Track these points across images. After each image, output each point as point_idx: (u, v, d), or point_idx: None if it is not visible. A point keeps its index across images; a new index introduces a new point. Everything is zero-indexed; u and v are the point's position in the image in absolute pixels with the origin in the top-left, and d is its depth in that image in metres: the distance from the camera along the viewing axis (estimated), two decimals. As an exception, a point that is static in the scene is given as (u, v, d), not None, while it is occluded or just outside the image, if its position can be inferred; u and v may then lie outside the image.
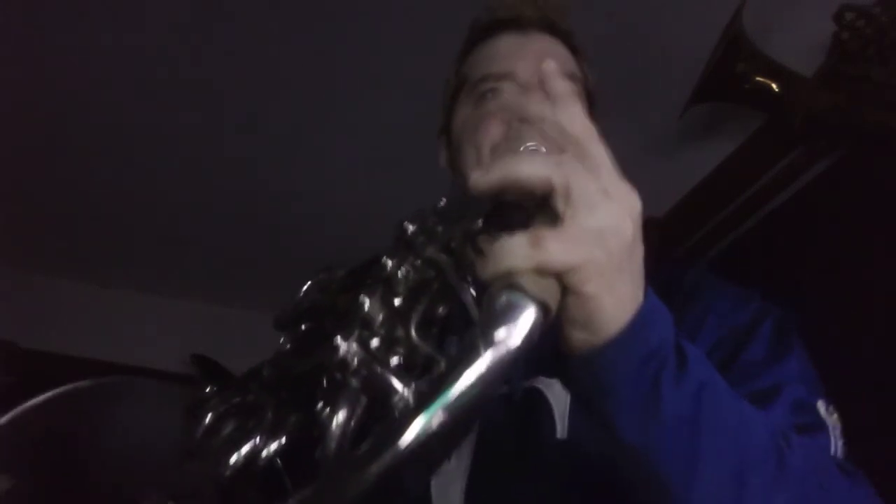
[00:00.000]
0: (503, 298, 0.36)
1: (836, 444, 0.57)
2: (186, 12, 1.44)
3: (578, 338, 0.42)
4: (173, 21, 1.46)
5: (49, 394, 0.49)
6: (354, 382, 0.37)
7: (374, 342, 0.39)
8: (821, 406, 0.59)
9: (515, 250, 0.37)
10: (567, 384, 0.48)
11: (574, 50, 0.83)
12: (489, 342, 0.34)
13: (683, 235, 1.81)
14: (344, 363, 0.37)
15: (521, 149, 0.42)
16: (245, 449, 0.42)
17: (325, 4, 1.42)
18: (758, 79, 1.35)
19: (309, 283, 0.52)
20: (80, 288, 2.34)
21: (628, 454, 0.43)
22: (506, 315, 0.35)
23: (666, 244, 1.83)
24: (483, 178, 0.39)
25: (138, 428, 0.52)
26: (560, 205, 0.38)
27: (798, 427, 0.55)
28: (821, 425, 0.57)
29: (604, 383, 0.42)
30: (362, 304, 0.40)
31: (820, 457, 0.51)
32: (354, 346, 0.38)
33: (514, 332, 0.35)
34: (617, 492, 0.49)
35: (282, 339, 0.50)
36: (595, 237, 0.38)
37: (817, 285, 1.41)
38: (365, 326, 0.39)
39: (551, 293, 0.37)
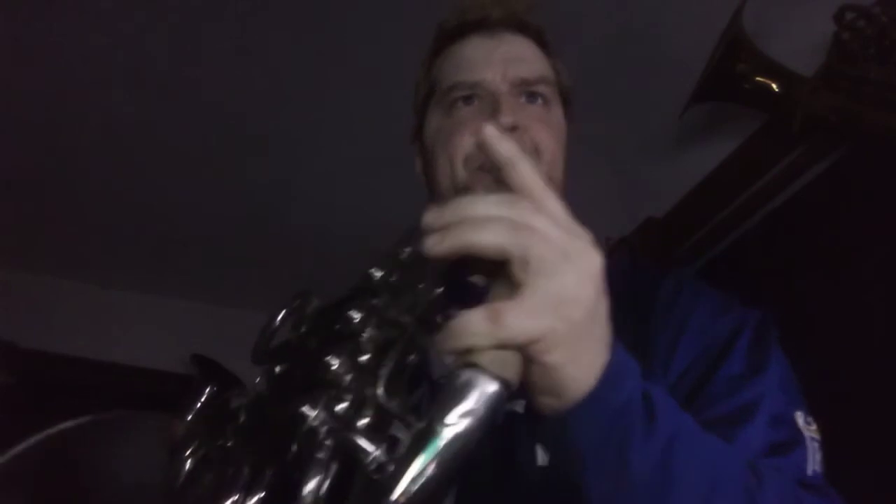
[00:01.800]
0: (462, 377, 0.36)
1: (814, 458, 0.57)
2: (186, 12, 1.44)
3: (545, 401, 0.42)
4: (173, 21, 1.46)
5: (44, 433, 0.50)
6: (322, 453, 0.38)
7: (342, 406, 0.40)
8: (799, 418, 0.59)
9: (474, 328, 0.37)
10: (539, 439, 0.49)
11: (545, 46, 0.81)
12: (446, 423, 0.35)
13: (683, 235, 1.81)
14: (312, 432, 0.38)
15: (481, 207, 0.40)
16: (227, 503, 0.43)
17: (325, 4, 1.42)
18: (758, 79, 1.35)
19: (283, 312, 0.52)
20: (80, 288, 2.34)
21: (596, 499, 0.43)
22: (465, 394, 0.36)
23: (666, 244, 1.83)
24: (438, 245, 0.38)
25: (130, 464, 0.53)
26: (518, 273, 0.38)
27: (774, 446, 0.55)
28: (798, 441, 0.57)
29: (571, 445, 0.42)
30: (330, 365, 0.40)
31: (791, 483, 0.51)
32: (322, 414, 0.38)
33: (474, 410, 0.36)
34: None
35: (257, 379, 0.51)
36: (555, 307, 0.38)
37: (817, 285, 1.41)
38: (332, 388, 0.40)
39: (512, 366, 0.38)
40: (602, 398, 0.41)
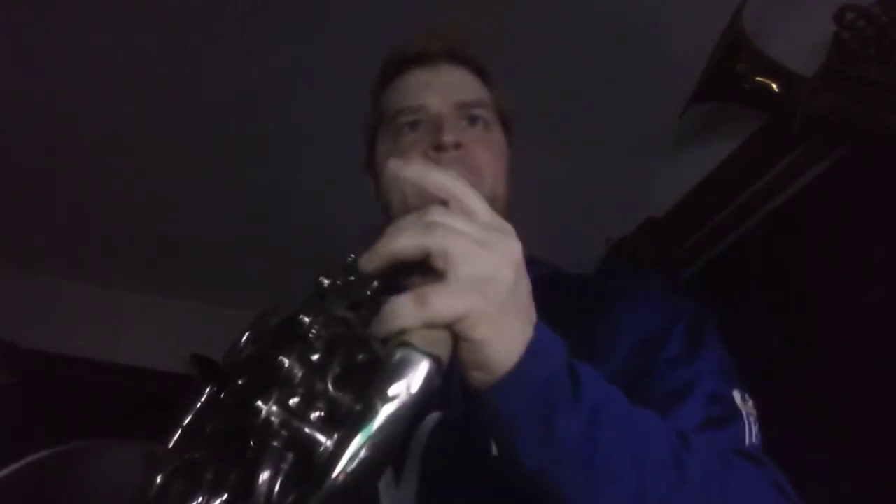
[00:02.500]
0: (396, 355, 0.40)
1: (751, 431, 0.59)
2: (186, 12, 1.44)
3: (476, 377, 0.45)
4: (173, 21, 1.46)
5: (14, 465, 0.51)
6: (276, 442, 0.40)
7: (294, 400, 0.42)
8: (736, 395, 0.61)
9: (403, 310, 0.40)
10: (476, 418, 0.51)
11: (484, 78, 0.86)
12: (385, 398, 0.38)
13: (683, 235, 1.81)
14: (266, 424, 0.40)
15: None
16: None
17: (325, 4, 1.42)
18: (758, 79, 1.35)
19: (248, 331, 0.55)
20: (80, 288, 2.33)
21: (532, 481, 0.46)
22: (399, 371, 0.39)
23: (666, 244, 1.83)
24: (370, 262, 0.44)
25: (105, 491, 0.54)
26: (440, 264, 0.41)
27: (711, 419, 0.58)
28: (735, 415, 0.60)
29: (501, 418, 0.45)
30: (282, 364, 0.43)
31: (722, 453, 0.53)
32: (274, 407, 0.40)
33: (409, 386, 0.39)
34: None
35: (223, 393, 0.54)
36: (475, 287, 0.41)
37: (817, 285, 1.41)
38: (284, 385, 0.42)
39: (442, 344, 0.41)
40: (526, 371, 0.44)
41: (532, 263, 0.47)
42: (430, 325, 0.41)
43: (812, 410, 1.28)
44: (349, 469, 0.37)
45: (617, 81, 1.53)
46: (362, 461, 0.37)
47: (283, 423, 0.40)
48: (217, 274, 2.31)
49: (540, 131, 1.65)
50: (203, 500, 0.45)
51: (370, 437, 0.37)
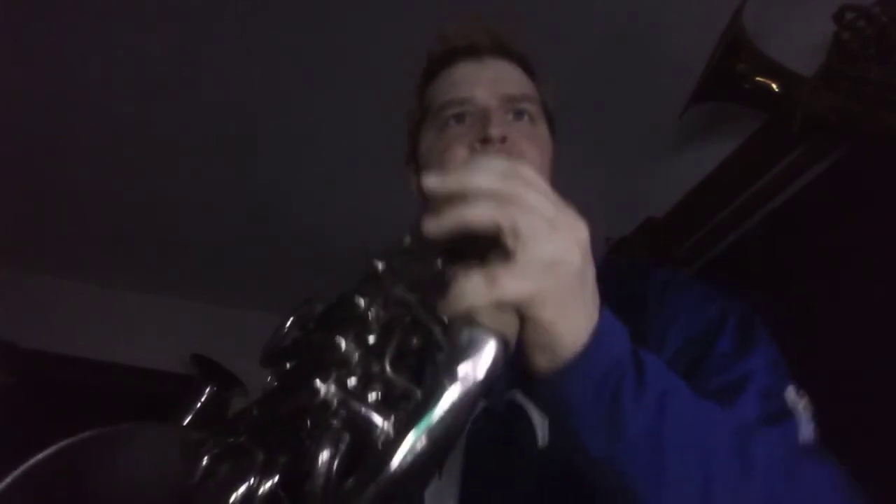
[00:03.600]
0: (465, 334, 0.39)
1: (806, 428, 0.59)
2: (186, 13, 1.44)
3: (541, 360, 0.44)
4: (173, 21, 1.46)
5: (53, 448, 0.51)
6: (336, 422, 0.40)
7: (352, 381, 0.41)
8: (790, 392, 0.61)
9: (472, 288, 0.40)
10: (537, 403, 0.50)
11: (530, 72, 0.86)
12: (453, 377, 0.37)
13: (683, 235, 1.81)
14: (325, 405, 0.39)
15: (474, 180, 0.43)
16: (241, 488, 0.44)
17: (325, 4, 1.42)
18: (758, 79, 1.35)
19: (291, 317, 0.54)
20: (80, 288, 2.34)
21: (596, 467, 0.45)
22: (468, 350, 0.38)
23: (666, 244, 1.83)
24: (435, 225, 0.42)
25: (141, 474, 0.54)
26: (510, 242, 0.41)
27: (767, 416, 0.57)
28: (789, 412, 0.59)
29: (566, 402, 0.44)
30: (338, 345, 0.42)
31: (785, 447, 0.53)
32: (333, 387, 0.40)
33: (478, 366, 0.38)
34: (598, 497, 0.51)
35: (268, 378, 0.52)
36: (544, 269, 0.41)
37: (817, 285, 1.41)
38: (342, 366, 0.42)
39: (509, 324, 0.41)
40: (593, 354, 0.44)
41: None
42: (499, 305, 0.40)
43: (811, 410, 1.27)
44: (409, 458, 0.36)
45: (617, 81, 1.53)
46: (423, 449, 0.36)
47: (342, 403, 0.39)
48: (217, 274, 2.31)
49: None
50: (255, 481, 0.45)
51: (433, 424, 0.37)
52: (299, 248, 2.13)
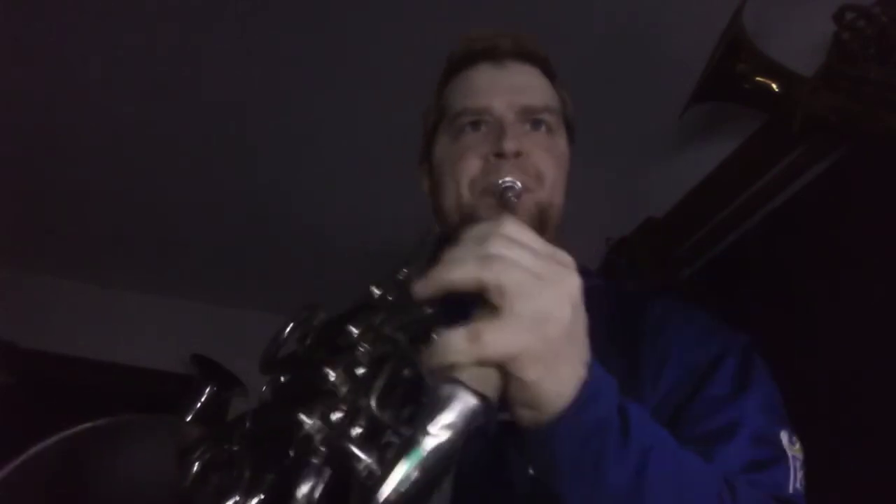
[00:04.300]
0: (443, 391, 0.39)
1: (795, 476, 0.58)
2: (186, 13, 1.44)
3: (524, 416, 0.43)
4: (173, 21, 1.46)
5: (52, 439, 0.52)
6: (316, 459, 0.40)
7: (337, 415, 0.42)
8: (783, 437, 0.60)
9: (455, 345, 0.39)
10: (522, 454, 0.50)
11: (551, 76, 0.85)
12: (428, 433, 0.38)
13: (683, 235, 1.81)
14: (308, 439, 0.40)
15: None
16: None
17: (325, 4, 1.42)
18: (758, 79, 1.35)
19: (291, 324, 0.54)
20: (80, 288, 2.34)
21: None
22: (445, 407, 0.39)
23: (666, 244, 1.83)
24: (423, 290, 0.42)
25: (136, 466, 0.55)
26: (496, 299, 0.40)
27: (755, 462, 0.56)
28: (780, 458, 0.58)
29: (548, 458, 0.44)
30: (327, 377, 0.43)
31: (767, 499, 0.52)
32: (318, 422, 0.41)
33: (454, 422, 0.38)
34: None
35: (264, 387, 0.54)
36: (531, 325, 0.40)
37: (817, 285, 1.41)
38: (328, 399, 0.42)
39: (491, 382, 0.40)
40: (579, 413, 0.43)
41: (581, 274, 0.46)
42: (482, 363, 0.40)
43: (812, 410, 1.27)
44: (396, 493, 0.37)
45: (617, 81, 1.53)
46: (408, 488, 0.37)
47: (325, 441, 0.40)
48: (217, 274, 2.31)
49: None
50: (240, 498, 0.46)
51: (416, 466, 0.37)
52: (299, 248, 2.12)
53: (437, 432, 0.38)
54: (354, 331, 0.45)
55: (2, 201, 1.94)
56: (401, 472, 0.37)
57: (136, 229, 2.09)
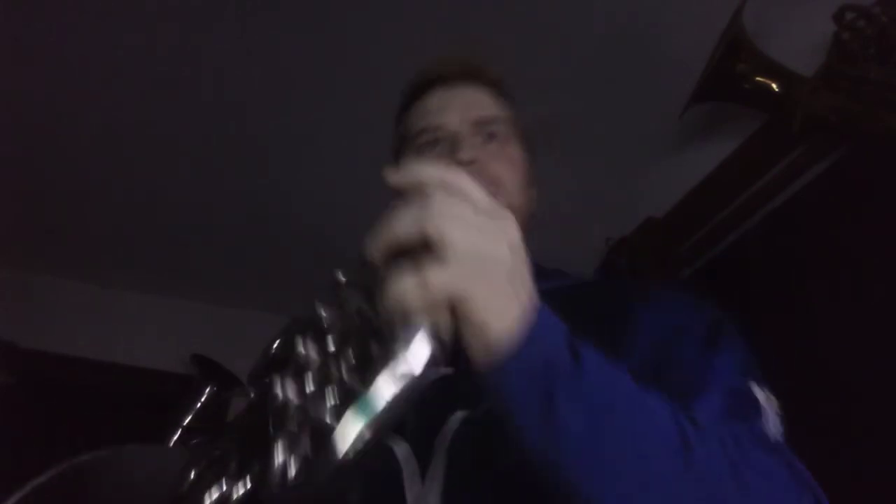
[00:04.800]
0: (399, 331, 0.42)
1: (773, 424, 0.59)
2: (186, 12, 1.44)
3: (479, 357, 0.46)
4: (173, 21, 1.46)
5: (50, 473, 0.53)
6: (292, 426, 0.42)
7: (310, 387, 0.44)
8: (756, 389, 0.61)
9: (403, 291, 0.42)
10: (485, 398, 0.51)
11: (502, 94, 0.90)
12: (387, 377, 0.40)
13: (683, 235, 1.81)
14: (283, 409, 0.42)
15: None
16: (215, 493, 0.48)
17: (325, 4, 1.42)
18: (758, 79, 1.35)
19: (278, 340, 0.57)
20: (80, 288, 2.34)
21: (534, 460, 0.46)
22: (402, 350, 0.41)
23: (666, 244, 1.83)
24: (372, 249, 0.46)
25: (138, 495, 0.56)
26: (440, 247, 0.43)
27: (730, 410, 0.57)
28: (755, 408, 0.59)
29: (502, 397, 0.46)
30: (300, 353, 0.45)
31: (738, 442, 0.52)
32: (291, 392, 0.42)
33: (412, 359, 0.41)
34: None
35: (251, 393, 0.56)
36: (472, 266, 0.43)
37: (817, 285, 1.41)
38: (302, 372, 0.44)
39: (443, 321, 0.43)
40: (526, 350, 0.45)
41: (542, 275, 0.47)
42: (431, 305, 0.43)
43: (812, 411, 1.27)
44: (349, 449, 0.38)
45: (617, 81, 1.53)
46: (367, 437, 0.39)
47: (298, 408, 0.42)
48: (217, 274, 2.31)
49: (540, 131, 1.65)
50: (227, 487, 0.48)
51: (372, 419, 0.39)
52: (299, 248, 2.12)
53: (397, 376, 0.40)
54: (324, 312, 0.47)
55: (2, 201, 1.94)
56: (357, 424, 0.39)
57: (136, 229, 2.09)
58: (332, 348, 0.45)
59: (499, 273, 0.44)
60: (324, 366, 0.44)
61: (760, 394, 0.60)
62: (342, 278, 0.50)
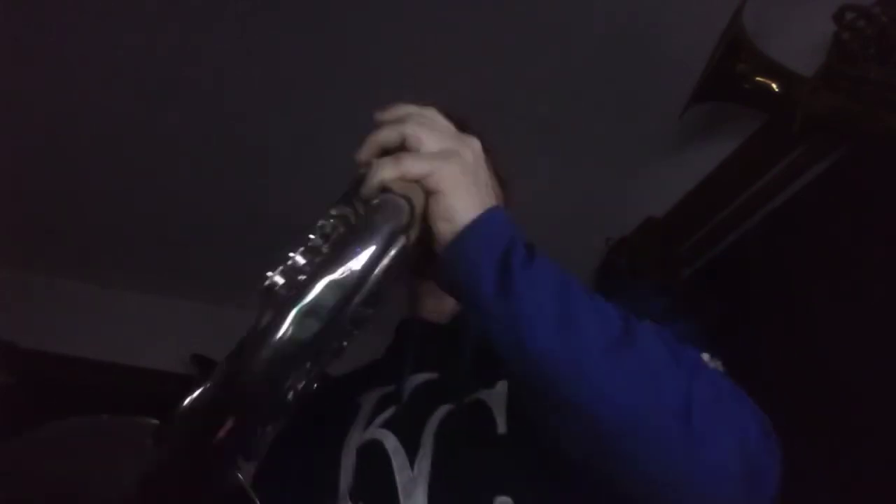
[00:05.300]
0: (380, 198, 0.50)
1: (715, 364, 0.62)
2: (186, 13, 1.44)
3: (443, 229, 0.54)
4: (173, 21, 1.46)
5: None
6: (282, 290, 0.45)
7: (299, 266, 0.48)
8: (703, 355, 0.63)
9: (383, 167, 0.53)
10: (442, 281, 0.57)
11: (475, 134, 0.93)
12: (369, 229, 0.46)
13: (683, 235, 1.81)
14: (271, 287, 0.45)
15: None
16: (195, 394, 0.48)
17: (325, 4, 1.42)
18: (758, 79, 1.35)
19: None
20: (80, 288, 2.33)
21: (492, 326, 0.52)
22: (382, 208, 0.48)
23: (666, 244, 1.83)
24: (362, 153, 0.58)
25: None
26: (413, 145, 0.55)
27: (673, 336, 0.59)
28: (695, 347, 0.62)
29: (463, 265, 0.53)
30: (290, 254, 0.49)
31: (677, 340, 0.57)
32: (279, 277, 0.46)
33: (388, 218, 0.47)
34: (555, 472, 0.59)
35: None
36: (440, 156, 0.54)
37: (817, 285, 1.41)
38: (288, 262, 0.48)
39: (415, 193, 0.52)
40: (486, 227, 0.53)
41: None
42: (404, 178, 0.52)
43: (812, 410, 1.27)
44: (331, 287, 0.43)
45: (617, 81, 1.53)
46: (345, 279, 0.43)
47: (284, 284, 0.45)
48: (217, 274, 2.31)
49: (540, 131, 1.65)
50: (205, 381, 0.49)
51: (354, 264, 0.44)
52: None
53: (376, 227, 0.46)
54: (317, 223, 0.52)
55: (2, 201, 1.94)
56: (358, 255, 0.44)
57: (136, 229, 2.09)
58: (312, 243, 0.50)
59: (464, 167, 0.54)
60: (306, 252, 0.48)
61: (707, 357, 0.62)
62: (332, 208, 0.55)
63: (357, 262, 0.44)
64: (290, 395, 0.44)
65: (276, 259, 0.48)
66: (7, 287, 2.16)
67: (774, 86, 1.34)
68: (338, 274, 0.43)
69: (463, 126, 0.90)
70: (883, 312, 1.24)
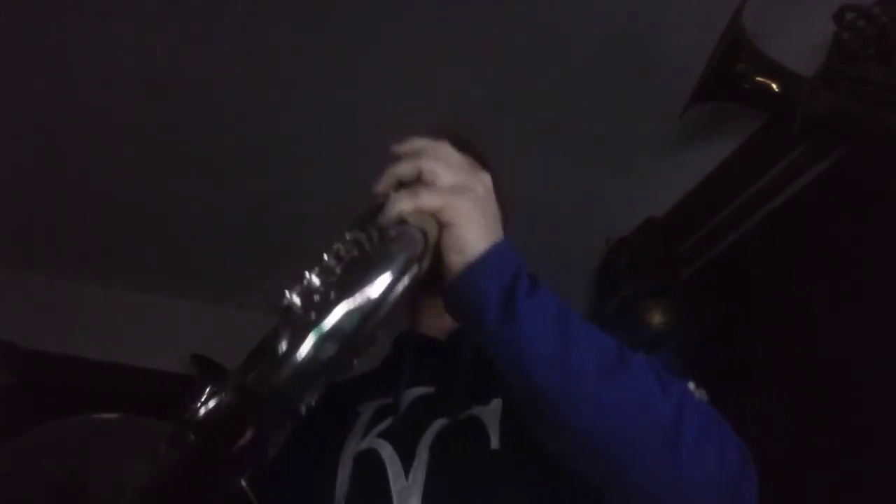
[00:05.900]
0: (397, 229, 0.53)
1: (699, 393, 0.65)
2: (186, 13, 1.44)
3: (454, 260, 0.57)
4: (173, 21, 1.46)
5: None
6: (298, 321, 0.47)
7: (316, 297, 0.49)
8: (690, 385, 0.67)
9: (400, 199, 0.55)
10: (449, 304, 0.60)
11: (481, 163, 0.96)
12: (384, 258, 0.48)
13: (683, 235, 1.81)
14: (289, 308, 0.47)
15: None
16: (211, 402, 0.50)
17: (325, 4, 1.42)
18: (758, 79, 1.35)
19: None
20: (80, 288, 2.33)
21: (496, 347, 0.56)
22: (399, 238, 0.51)
23: (666, 244, 1.84)
24: (380, 185, 0.62)
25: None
26: (428, 179, 0.58)
27: (662, 365, 0.62)
28: (681, 377, 0.65)
29: (471, 291, 0.56)
30: (304, 274, 0.50)
31: (665, 370, 0.61)
32: (297, 298, 0.47)
33: (406, 248, 0.50)
34: (546, 486, 0.63)
35: None
36: (453, 190, 0.57)
37: (817, 285, 1.41)
38: (305, 283, 0.50)
39: (429, 225, 0.55)
40: (494, 258, 0.56)
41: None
42: (420, 212, 0.55)
43: (812, 410, 1.28)
44: (346, 318, 0.45)
45: (617, 81, 1.53)
46: (361, 307, 0.45)
47: (301, 305, 0.47)
48: (217, 274, 2.31)
49: (540, 131, 1.65)
50: (217, 389, 0.51)
51: (370, 292, 0.46)
52: (299, 248, 2.12)
53: (393, 257, 0.48)
54: (333, 246, 0.54)
55: (2, 201, 1.94)
56: (378, 281, 0.46)
57: (136, 229, 2.09)
58: (326, 264, 0.51)
59: (476, 202, 0.57)
60: (322, 274, 0.50)
61: (692, 387, 0.66)
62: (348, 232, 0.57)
63: (374, 290, 0.46)
64: (304, 408, 0.47)
65: (292, 277, 0.50)
66: (7, 287, 2.16)
67: (774, 86, 1.34)
68: (356, 300, 0.45)
69: (474, 154, 0.92)
70: (883, 312, 1.25)
